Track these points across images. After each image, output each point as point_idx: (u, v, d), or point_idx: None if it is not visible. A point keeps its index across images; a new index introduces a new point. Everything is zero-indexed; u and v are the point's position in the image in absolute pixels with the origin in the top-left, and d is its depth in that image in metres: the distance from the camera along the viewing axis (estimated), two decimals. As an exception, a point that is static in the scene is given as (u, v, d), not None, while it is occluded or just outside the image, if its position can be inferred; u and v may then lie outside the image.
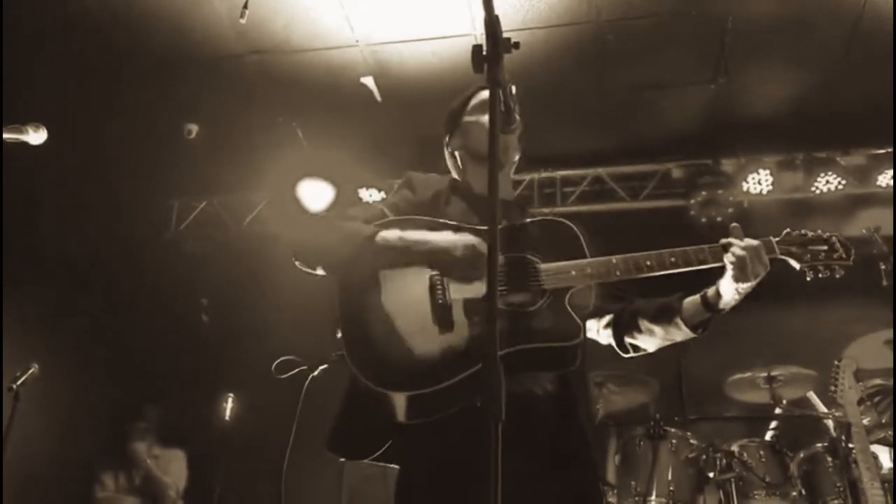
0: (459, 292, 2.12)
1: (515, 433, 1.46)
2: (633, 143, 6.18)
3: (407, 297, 2.14)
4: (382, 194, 6.41)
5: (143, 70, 5.32)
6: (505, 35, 1.68)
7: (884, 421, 4.26)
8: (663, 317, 2.31)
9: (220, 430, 5.32)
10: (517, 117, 2.26)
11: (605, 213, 6.35)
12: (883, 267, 4.08)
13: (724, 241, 2.19)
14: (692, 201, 6.12)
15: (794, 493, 4.16)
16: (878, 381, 4.32)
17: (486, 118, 1.58)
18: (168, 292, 6.46)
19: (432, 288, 2.12)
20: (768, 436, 4.69)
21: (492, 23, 1.59)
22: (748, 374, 4.82)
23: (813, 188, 6.10)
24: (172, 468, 5.82)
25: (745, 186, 6.12)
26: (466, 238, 2.13)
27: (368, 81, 5.47)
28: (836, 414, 4.26)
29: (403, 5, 4.82)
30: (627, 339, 2.42)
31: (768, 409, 4.93)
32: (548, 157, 6.18)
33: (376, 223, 2.27)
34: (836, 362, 4.04)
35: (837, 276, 2.25)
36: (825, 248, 2.26)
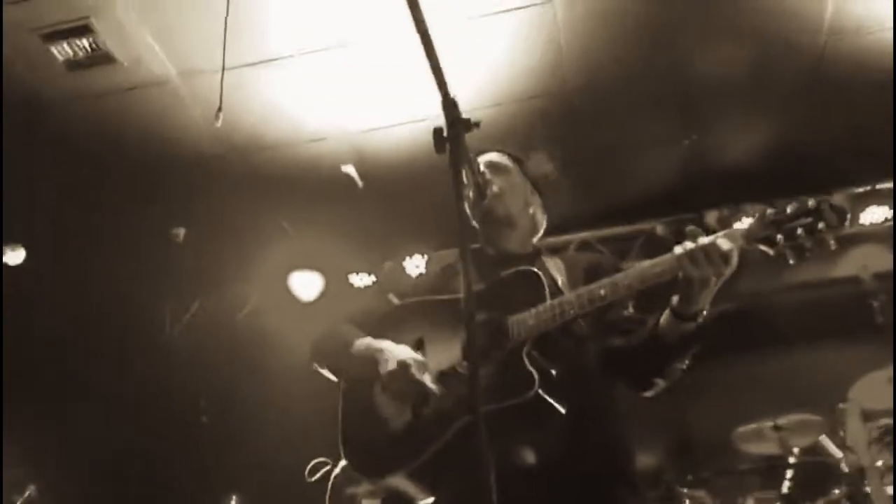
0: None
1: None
2: (616, 206, 6.23)
3: (389, 400, 2.22)
4: (373, 278, 6.45)
5: (124, 179, 5.38)
6: (472, 114, 1.72)
7: (901, 461, 4.18)
8: (649, 343, 2.18)
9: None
10: (490, 191, 2.36)
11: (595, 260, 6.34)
12: (875, 304, 4.07)
13: (676, 248, 2.05)
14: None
15: (817, 543, 4.06)
16: (886, 421, 4.26)
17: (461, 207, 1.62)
18: (167, 396, 6.40)
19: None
20: (785, 487, 4.60)
21: (448, 105, 1.63)
22: (754, 426, 4.75)
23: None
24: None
25: (731, 237, 6.12)
26: (405, 353, 2.18)
27: (349, 169, 5.55)
28: (850, 458, 4.18)
29: (375, 93, 4.91)
30: (635, 377, 2.30)
31: (781, 459, 4.85)
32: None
33: (378, 315, 2.44)
34: (840, 405, 3.99)
35: (832, 248, 1.96)
36: (808, 220, 1.96)
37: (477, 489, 1.95)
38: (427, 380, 2.14)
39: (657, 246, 6.37)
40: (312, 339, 2.52)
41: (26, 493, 4.10)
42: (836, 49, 4.84)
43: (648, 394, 2.33)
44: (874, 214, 6.07)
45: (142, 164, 5.27)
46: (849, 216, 1.97)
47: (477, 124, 1.70)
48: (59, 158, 5.13)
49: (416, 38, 4.59)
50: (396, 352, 2.19)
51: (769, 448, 4.81)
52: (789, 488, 4.46)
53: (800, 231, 1.96)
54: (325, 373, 2.45)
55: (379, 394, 2.23)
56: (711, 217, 6.30)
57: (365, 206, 5.87)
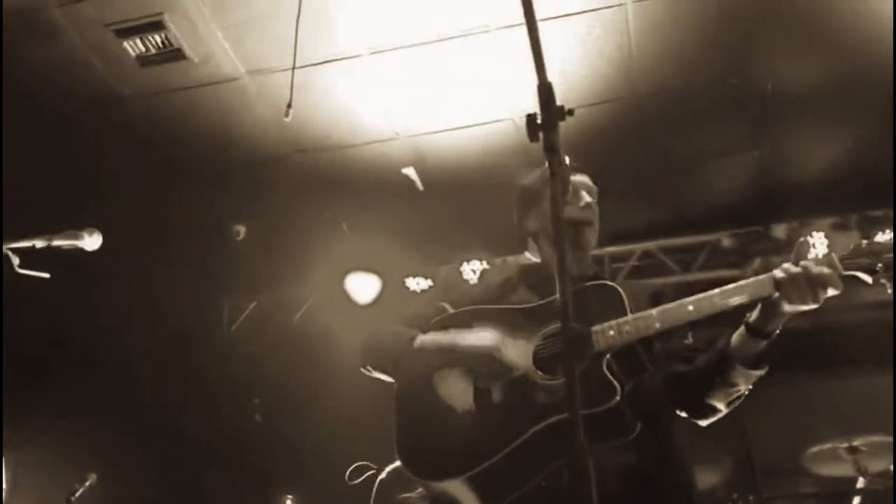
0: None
1: None
2: (681, 215, 6.11)
3: (452, 391, 2.19)
4: (430, 282, 6.42)
5: (190, 175, 5.45)
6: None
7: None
8: (717, 362, 2.16)
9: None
10: (587, 198, 2.43)
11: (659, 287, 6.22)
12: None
13: (776, 270, 2.03)
14: (747, 270, 5.99)
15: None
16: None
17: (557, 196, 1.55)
18: (222, 393, 6.45)
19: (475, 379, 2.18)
20: (855, 509, 4.43)
21: (545, 89, 1.56)
22: (829, 446, 4.59)
23: (871, 247, 5.91)
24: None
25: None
26: (484, 338, 2.16)
27: (410, 172, 5.53)
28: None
29: (440, 96, 4.89)
30: (697, 401, 2.25)
31: (848, 482, 4.67)
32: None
33: (434, 320, 2.36)
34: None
35: None
36: None
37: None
38: (518, 364, 2.11)
39: (722, 258, 6.23)
40: (362, 342, 2.49)
41: (87, 482, 4.14)
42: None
43: (704, 422, 2.31)
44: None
45: (208, 161, 5.33)
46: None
47: (571, 112, 1.62)
48: (129, 152, 5.22)
49: (485, 42, 4.57)
50: (478, 337, 2.17)
51: (841, 471, 4.64)
52: (860, 513, 4.29)
53: None
54: (377, 374, 2.41)
55: (440, 393, 2.19)
56: (780, 231, 6.15)
57: (424, 210, 5.85)
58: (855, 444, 4.49)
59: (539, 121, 1.56)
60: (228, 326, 6.93)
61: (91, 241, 2.41)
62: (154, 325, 6.22)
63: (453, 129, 5.19)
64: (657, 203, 5.98)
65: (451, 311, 2.40)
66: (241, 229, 5.94)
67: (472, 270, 6.36)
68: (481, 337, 2.17)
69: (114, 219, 5.16)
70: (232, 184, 5.57)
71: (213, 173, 5.45)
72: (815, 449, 4.66)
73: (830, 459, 4.64)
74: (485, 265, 6.26)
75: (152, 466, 6.26)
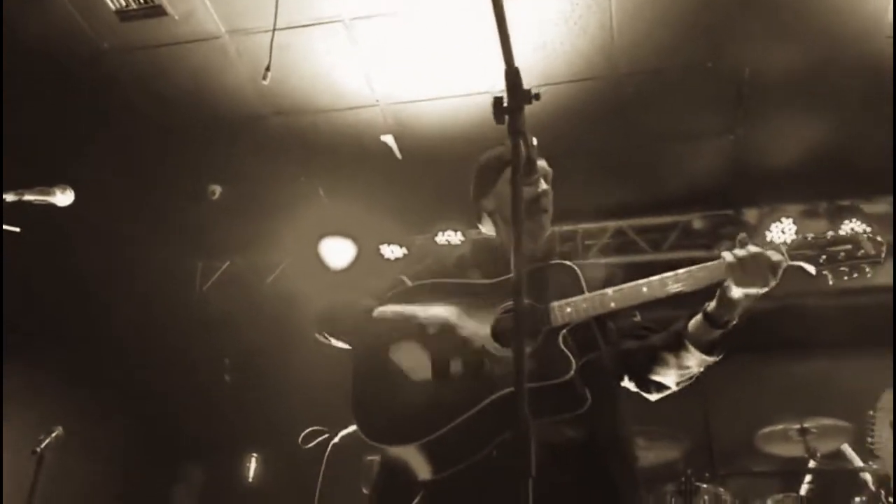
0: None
1: (540, 485, 1.47)
2: (654, 196, 6.18)
3: (409, 361, 2.22)
4: (404, 250, 6.47)
5: (167, 133, 5.42)
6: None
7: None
8: (672, 343, 2.23)
9: (243, 490, 5.25)
10: (544, 185, 2.40)
11: (628, 266, 6.33)
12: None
13: (724, 252, 2.11)
14: (716, 252, 6.08)
15: (834, 551, 4.03)
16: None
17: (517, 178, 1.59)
18: (192, 352, 6.47)
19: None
20: (803, 490, 4.56)
21: (512, 74, 1.60)
22: (780, 427, 4.72)
23: (838, 236, 6.02)
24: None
25: (768, 236, 6.07)
26: (443, 312, 2.21)
27: (389, 140, 5.54)
28: (874, 467, 4.13)
29: (422, 65, 4.89)
30: (647, 376, 2.33)
31: (801, 462, 4.82)
32: (568, 210, 6.19)
33: (392, 292, 2.38)
34: (870, 412, 3.95)
35: (868, 275, 2.06)
36: (848, 247, 2.07)
37: (484, 474, 2.00)
38: (476, 336, 2.16)
39: (692, 239, 6.32)
40: (317, 310, 2.52)
41: (53, 434, 4.16)
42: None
43: (653, 397, 2.38)
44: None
45: (185, 119, 5.30)
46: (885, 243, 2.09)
47: (537, 96, 1.67)
48: (104, 107, 5.18)
49: (469, 13, 4.54)
50: (438, 311, 2.21)
51: (792, 451, 4.78)
52: (809, 491, 4.42)
53: (841, 255, 2.06)
54: (334, 342, 2.44)
55: (397, 362, 2.23)
56: (750, 215, 6.24)
57: (402, 178, 5.87)
58: (805, 426, 4.63)
59: (505, 104, 1.60)
60: (201, 286, 6.93)
61: (63, 198, 2.42)
62: (126, 281, 6.21)
63: (434, 99, 5.20)
64: (631, 182, 6.04)
65: (409, 283, 2.42)
66: (217, 189, 5.92)
67: (446, 240, 6.41)
68: (440, 311, 2.21)
69: (88, 174, 5.17)
70: (209, 143, 5.54)
71: (190, 131, 5.42)
72: (767, 429, 4.79)
73: (781, 440, 4.77)
74: (459, 236, 6.31)
75: (120, 421, 6.30)
